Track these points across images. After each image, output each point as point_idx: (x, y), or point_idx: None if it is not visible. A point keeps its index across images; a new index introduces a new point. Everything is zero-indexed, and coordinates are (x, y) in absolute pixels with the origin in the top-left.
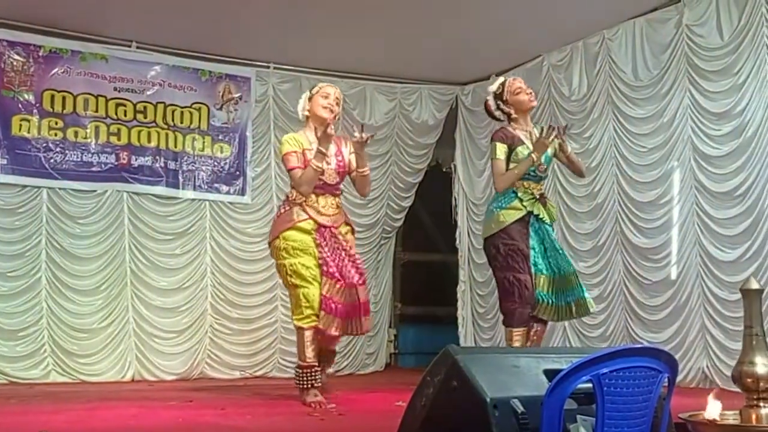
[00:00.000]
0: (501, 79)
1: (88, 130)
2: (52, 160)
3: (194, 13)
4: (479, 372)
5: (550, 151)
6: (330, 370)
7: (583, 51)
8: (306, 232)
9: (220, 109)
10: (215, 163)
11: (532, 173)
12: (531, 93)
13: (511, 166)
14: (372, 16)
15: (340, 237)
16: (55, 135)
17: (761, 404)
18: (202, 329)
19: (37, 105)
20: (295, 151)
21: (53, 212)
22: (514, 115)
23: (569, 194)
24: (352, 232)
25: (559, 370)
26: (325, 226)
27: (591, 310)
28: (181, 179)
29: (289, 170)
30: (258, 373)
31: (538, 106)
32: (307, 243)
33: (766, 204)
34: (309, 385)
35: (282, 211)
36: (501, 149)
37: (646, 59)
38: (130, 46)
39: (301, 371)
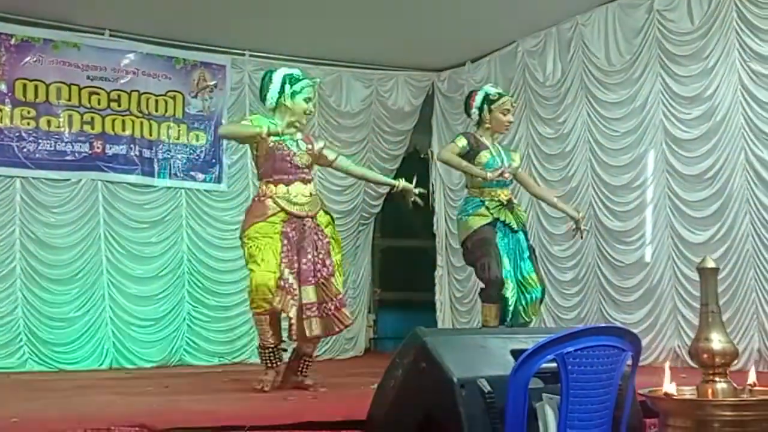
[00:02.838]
0: (501, 90)
1: (62, 119)
2: (25, 150)
3: (168, 1)
4: (447, 353)
5: (516, 159)
6: (309, 381)
7: (556, 37)
8: (275, 224)
9: (195, 96)
10: (191, 151)
11: (497, 180)
12: (511, 123)
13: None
14: (348, 3)
15: (314, 231)
16: (28, 124)
17: (717, 379)
18: (180, 317)
19: (9, 94)
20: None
21: (27, 202)
22: (486, 125)
23: (543, 179)
24: (332, 222)
25: (525, 350)
26: (298, 216)
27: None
28: (156, 167)
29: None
30: (236, 360)
31: (513, 93)
32: (272, 234)
33: (735, 186)
34: (269, 365)
35: (253, 204)
36: (462, 141)
37: (619, 44)
38: (103, 34)
39: (261, 351)
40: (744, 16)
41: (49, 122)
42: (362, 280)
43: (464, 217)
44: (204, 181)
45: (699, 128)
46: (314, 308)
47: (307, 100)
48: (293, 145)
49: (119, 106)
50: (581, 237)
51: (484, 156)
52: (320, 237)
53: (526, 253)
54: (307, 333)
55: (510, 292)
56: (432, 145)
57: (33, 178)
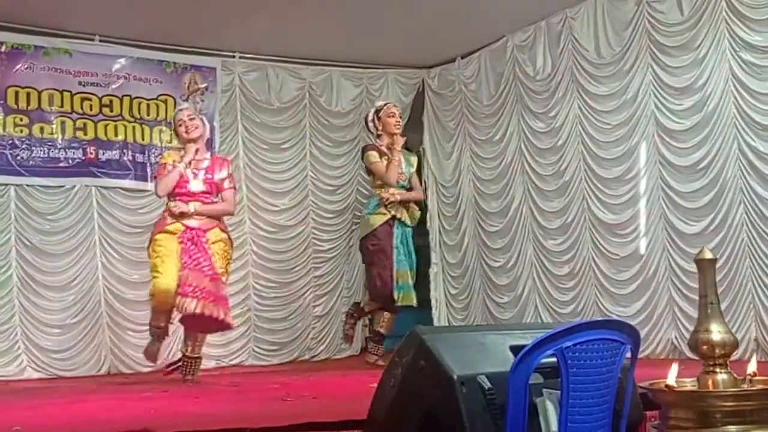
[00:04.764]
0: (387, 102)
1: (54, 126)
2: (18, 157)
3: (157, 4)
4: (446, 351)
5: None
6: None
7: (546, 30)
8: (172, 233)
9: (187, 100)
10: None
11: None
12: (399, 123)
13: None
14: (336, 1)
15: (204, 242)
16: (21, 131)
17: (717, 370)
18: (177, 320)
19: (1, 102)
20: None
21: (21, 209)
22: (380, 132)
23: (536, 173)
24: (225, 241)
25: (525, 346)
26: (191, 228)
27: (413, 303)
28: (149, 172)
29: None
30: (234, 362)
31: (504, 88)
32: (171, 244)
33: (728, 176)
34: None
35: (159, 218)
36: (374, 155)
37: (609, 37)
38: (93, 40)
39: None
40: (733, 6)
41: (42, 129)
42: (356, 279)
43: (367, 215)
44: None
45: (691, 119)
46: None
47: (180, 125)
48: (190, 174)
49: (111, 111)
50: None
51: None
52: (212, 252)
53: (413, 248)
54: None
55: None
56: (423, 142)
57: (27, 185)
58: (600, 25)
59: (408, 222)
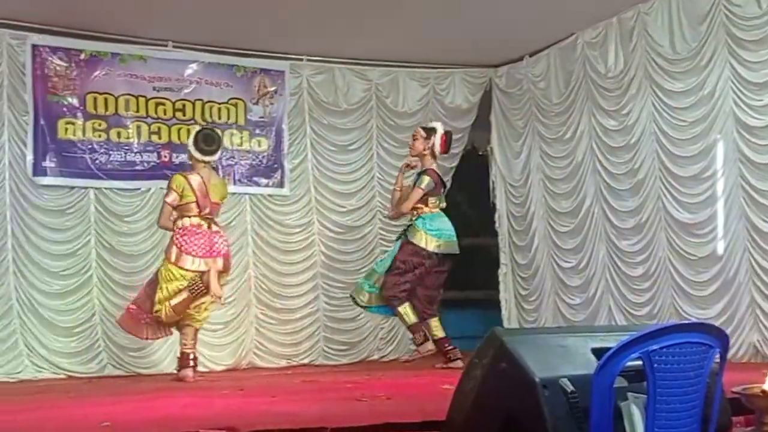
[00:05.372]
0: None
1: (130, 130)
2: (97, 161)
3: (227, 10)
4: (527, 353)
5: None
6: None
7: (617, 27)
8: None
9: (257, 103)
10: (253, 157)
11: None
12: (412, 151)
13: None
14: (402, 2)
15: None
16: (99, 136)
17: None
18: (248, 320)
19: (81, 108)
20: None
21: (100, 211)
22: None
23: (609, 172)
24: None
25: (607, 349)
26: None
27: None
28: (221, 174)
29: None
30: (304, 361)
31: (574, 86)
32: None
33: None
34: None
35: None
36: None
37: (684, 32)
38: (166, 46)
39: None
40: None
41: (119, 134)
42: None
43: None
44: (267, 186)
45: None
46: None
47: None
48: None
49: (184, 115)
50: None
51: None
52: None
53: (391, 259)
54: None
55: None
56: (491, 142)
57: (105, 188)
58: (675, 20)
59: (402, 235)
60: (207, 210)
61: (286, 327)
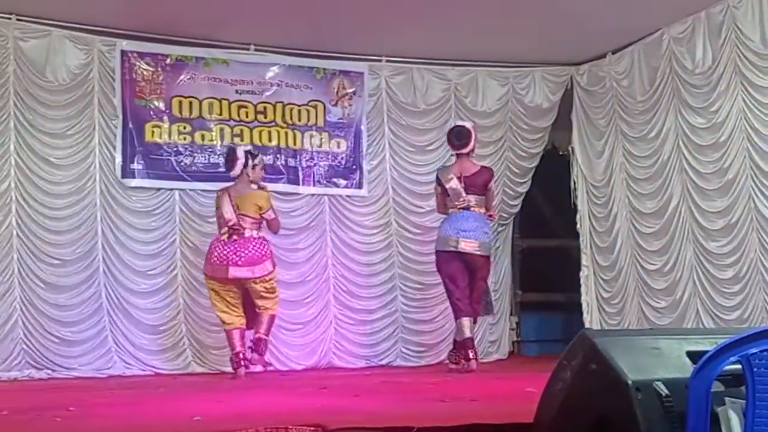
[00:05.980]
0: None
1: (214, 133)
2: (182, 163)
3: (307, 13)
4: (618, 354)
5: None
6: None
7: (706, 21)
8: None
9: (335, 105)
10: (332, 158)
11: None
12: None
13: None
14: (480, 1)
15: None
16: (184, 139)
17: None
18: (327, 320)
19: (167, 111)
20: None
21: (185, 212)
22: None
23: (696, 171)
24: None
25: (704, 352)
26: None
27: None
28: (301, 175)
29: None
30: (382, 362)
31: (659, 83)
32: None
33: None
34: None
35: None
36: None
37: None
38: (248, 49)
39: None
40: None
41: (203, 136)
42: (503, 281)
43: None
44: (345, 187)
45: None
46: None
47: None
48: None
49: (265, 117)
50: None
51: None
52: None
53: None
54: None
55: None
56: (572, 141)
57: (190, 189)
58: (765, 13)
59: None
60: (233, 222)
61: (365, 327)
